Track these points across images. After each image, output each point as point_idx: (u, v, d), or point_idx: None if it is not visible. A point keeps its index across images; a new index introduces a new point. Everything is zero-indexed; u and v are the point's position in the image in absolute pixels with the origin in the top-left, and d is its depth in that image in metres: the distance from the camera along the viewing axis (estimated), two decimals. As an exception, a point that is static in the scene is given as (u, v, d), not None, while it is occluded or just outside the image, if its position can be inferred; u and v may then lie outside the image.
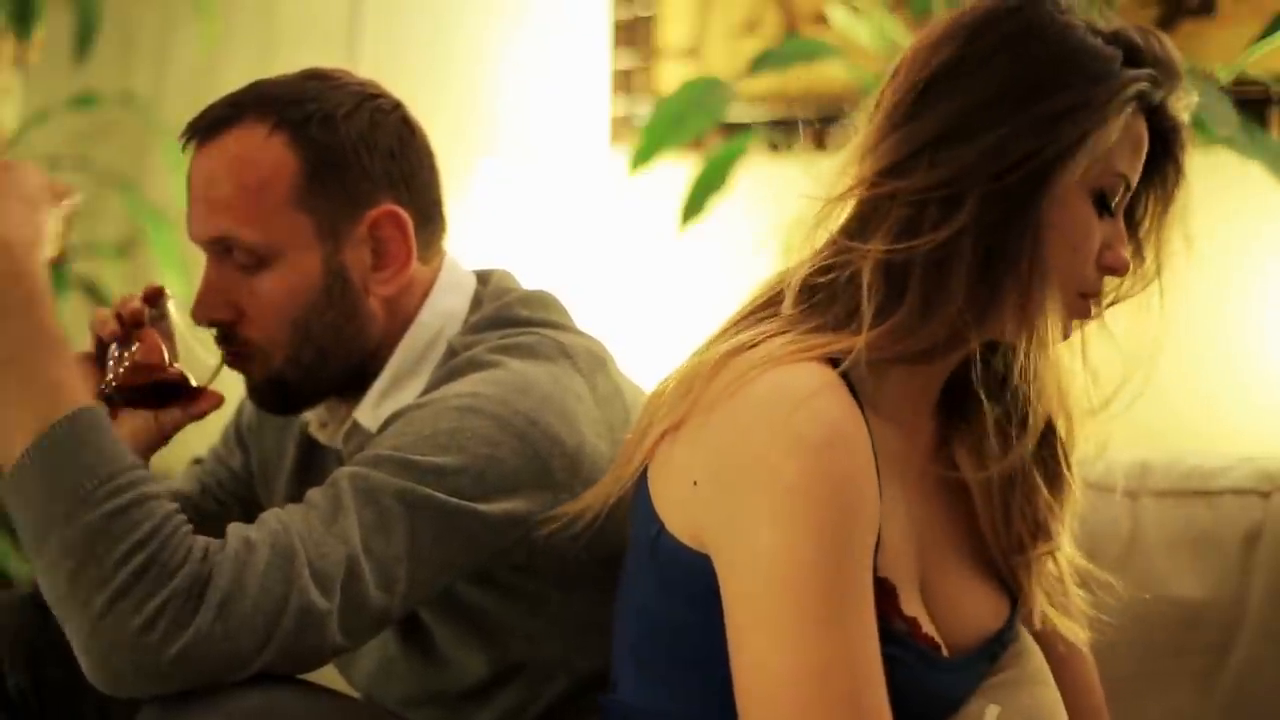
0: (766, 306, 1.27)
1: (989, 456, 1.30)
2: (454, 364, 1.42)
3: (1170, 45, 1.26)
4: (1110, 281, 1.30)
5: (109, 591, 1.15)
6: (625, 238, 2.49)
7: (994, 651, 1.33)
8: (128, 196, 3.00)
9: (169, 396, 1.42)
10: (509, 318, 1.47)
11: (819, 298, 1.23)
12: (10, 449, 1.20)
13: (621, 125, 2.68)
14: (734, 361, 1.20)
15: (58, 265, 2.72)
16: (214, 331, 1.44)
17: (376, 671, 1.53)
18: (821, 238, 1.25)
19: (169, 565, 1.16)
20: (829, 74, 2.27)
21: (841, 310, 1.22)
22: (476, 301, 1.51)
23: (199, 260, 1.47)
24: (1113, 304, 1.31)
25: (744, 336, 1.23)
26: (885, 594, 1.19)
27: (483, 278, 1.54)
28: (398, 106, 1.49)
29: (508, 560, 1.37)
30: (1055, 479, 1.34)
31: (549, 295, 1.53)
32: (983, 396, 1.30)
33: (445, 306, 1.49)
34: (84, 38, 2.99)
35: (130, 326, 1.42)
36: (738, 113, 2.46)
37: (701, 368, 1.22)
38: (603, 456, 1.39)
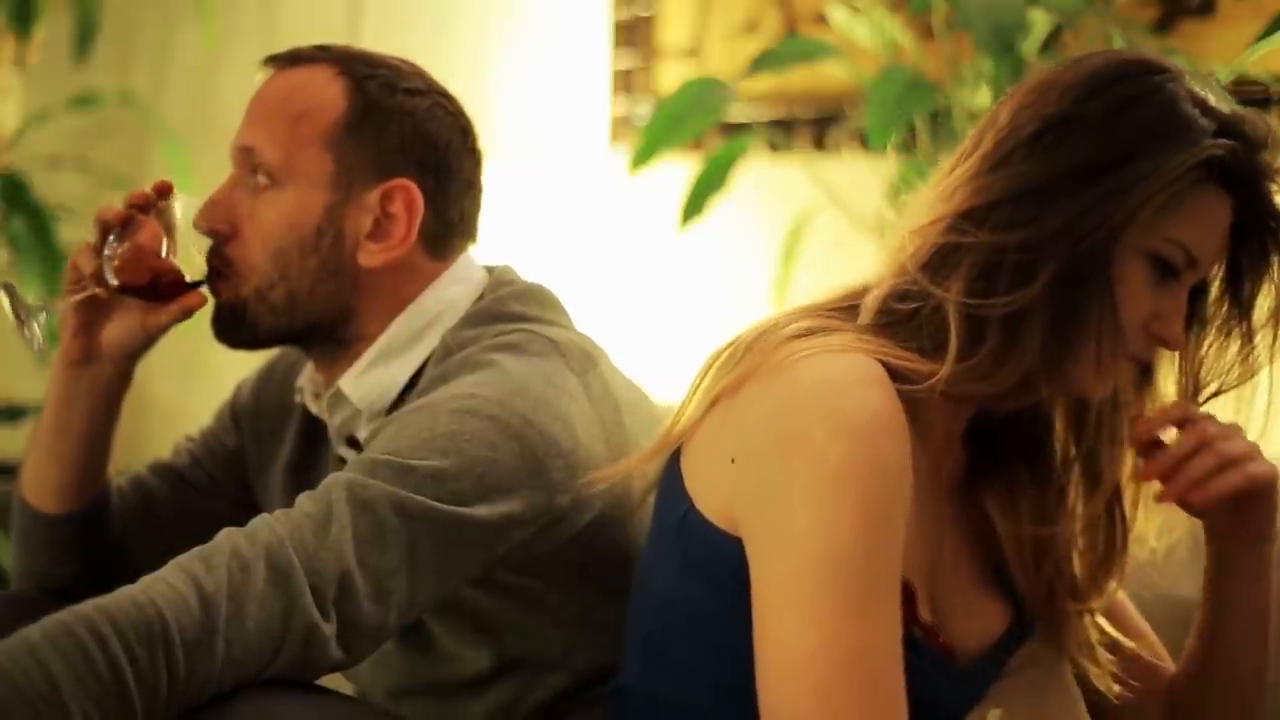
0: (842, 311, 1.26)
1: (1022, 513, 1.31)
2: (448, 365, 1.42)
3: (1273, 131, 1.23)
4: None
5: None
6: (625, 238, 2.49)
7: (1000, 657, 1.33)
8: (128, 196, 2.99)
9: (159, 290, 1.44)
10: (502, 312, 1.47)
11: (900, 326, 1.22)
12: None
13: (621, 125, 2.68)
14: (791, 344, 1.20)
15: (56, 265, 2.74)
16: (209, 243, 1.46)
17: (372, 662, 1.53)
18: (900, 260, 1.23)
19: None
20: (829, 74, 2.27)
21: (927, 342, 1.21)
22: (480, 296, 1.51)
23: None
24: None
25: (814, 323, 1.23)
26: (905, 598, 1.19)
27: (487, 271, 1.55)
28: (464, 116, 1.51)
29: (505, 562, 1.37)
30: (1109, 545, 1.33)
31: (545, 290, 1.53)
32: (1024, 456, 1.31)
33: (449, 295, 1.49)
34: (84, 38, 2.99)
35: (135, 210, 1.44)
36: (738, 113, 2.46)
37: (763, 342, 1.22)
38: (597, 455, 1.38)
